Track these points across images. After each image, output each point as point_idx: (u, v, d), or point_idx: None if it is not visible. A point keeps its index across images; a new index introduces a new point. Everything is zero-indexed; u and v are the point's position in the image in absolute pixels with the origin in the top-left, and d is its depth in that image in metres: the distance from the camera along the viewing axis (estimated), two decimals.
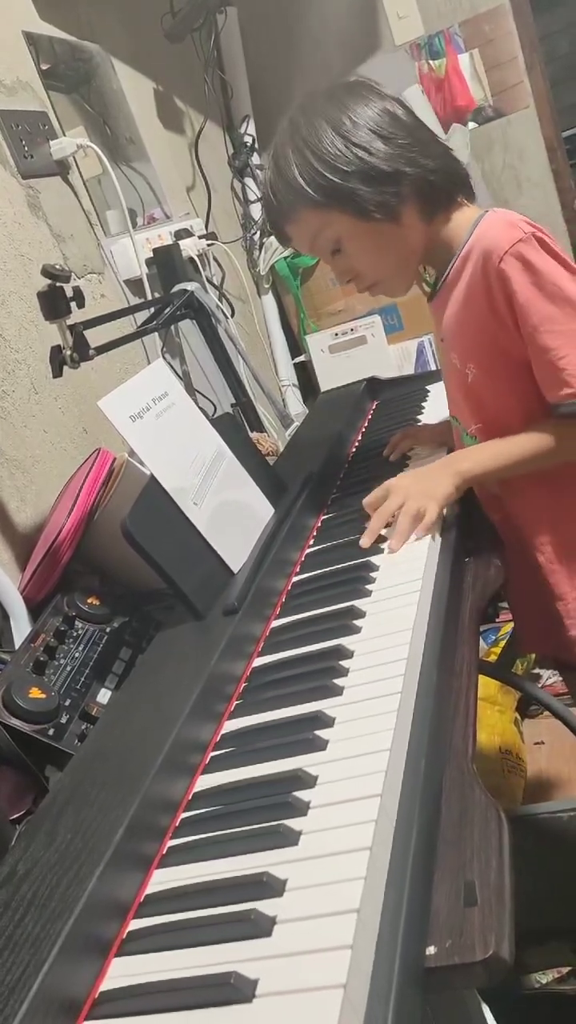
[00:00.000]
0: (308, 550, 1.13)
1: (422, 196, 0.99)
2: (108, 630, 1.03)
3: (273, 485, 1.21)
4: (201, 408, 1.13)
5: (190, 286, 1.47)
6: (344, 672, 0.81)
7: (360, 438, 1.52)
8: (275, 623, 0.98)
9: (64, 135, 1.69)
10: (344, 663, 0.82)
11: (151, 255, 1.70)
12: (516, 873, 0.61)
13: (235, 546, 1.05)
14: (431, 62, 2.68)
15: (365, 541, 1.03)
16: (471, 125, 2.70)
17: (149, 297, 1.64)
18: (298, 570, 1.09)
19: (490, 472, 1.03)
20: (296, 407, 2.38)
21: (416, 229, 1.01)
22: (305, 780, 0.68)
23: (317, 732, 0.73)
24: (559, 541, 1.08)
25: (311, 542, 1.15)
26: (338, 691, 0.79)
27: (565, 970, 1.44)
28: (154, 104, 2.18)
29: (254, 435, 1.52)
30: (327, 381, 2.42)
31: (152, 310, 1.48)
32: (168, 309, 1.41)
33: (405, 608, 0.87)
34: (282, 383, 2.46)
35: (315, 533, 1.18)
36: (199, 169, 2.33)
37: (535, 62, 2.65)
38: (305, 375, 2.55)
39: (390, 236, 1.00)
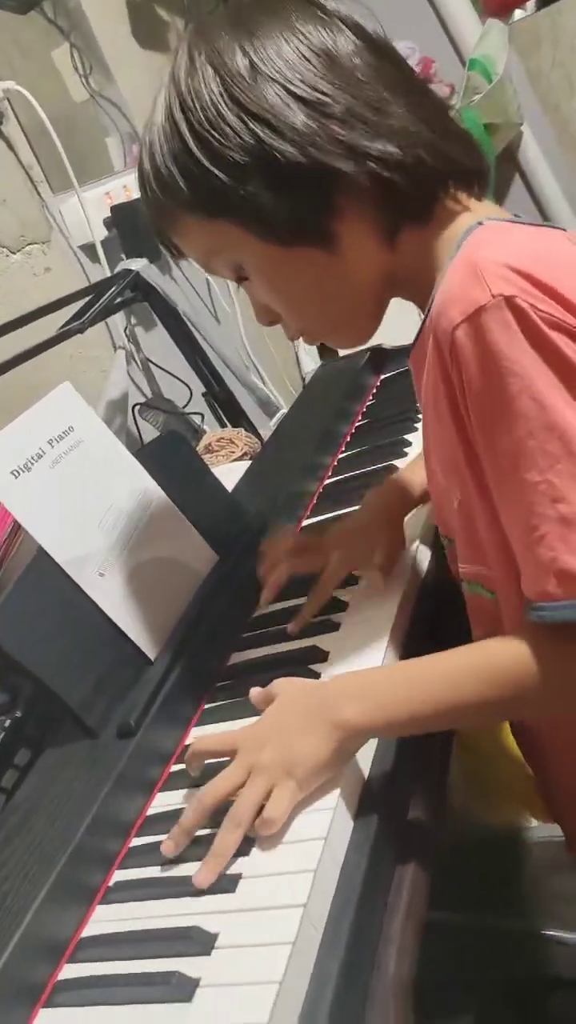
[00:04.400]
0: (259, 612, 0.92)
1: (376, 207, 0.60)
2: (7, 724, 0.86)
3: (226, 517, 0.99)
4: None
5: (135, 264, 1.22)
6: (246, 851, 0.61)
7: (354, 430, 1.28)
8: (194, 731, 0.78)
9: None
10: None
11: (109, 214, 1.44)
12: None
13: (156, 621, 0.85)
14: None
15: (201, 880, 0.59)
16: (518, 14, 2.29)
17: (105, 266, 1.39)
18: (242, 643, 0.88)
19: (396, 725, 0.62)
20: (309, 365, 2.13)
21: (367, 258, 0.63)
22: None
23: (185, 965, 0.54)
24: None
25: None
26: (231, 888, 0.59)
27: None
28: (127, 17, 1.87)
29: (227, 432, 1.29)
30: None
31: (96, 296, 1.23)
32: (107, 295, 1.17)
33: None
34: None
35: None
36: None
37: None
38: None
39: (319, 269, 0.62)
